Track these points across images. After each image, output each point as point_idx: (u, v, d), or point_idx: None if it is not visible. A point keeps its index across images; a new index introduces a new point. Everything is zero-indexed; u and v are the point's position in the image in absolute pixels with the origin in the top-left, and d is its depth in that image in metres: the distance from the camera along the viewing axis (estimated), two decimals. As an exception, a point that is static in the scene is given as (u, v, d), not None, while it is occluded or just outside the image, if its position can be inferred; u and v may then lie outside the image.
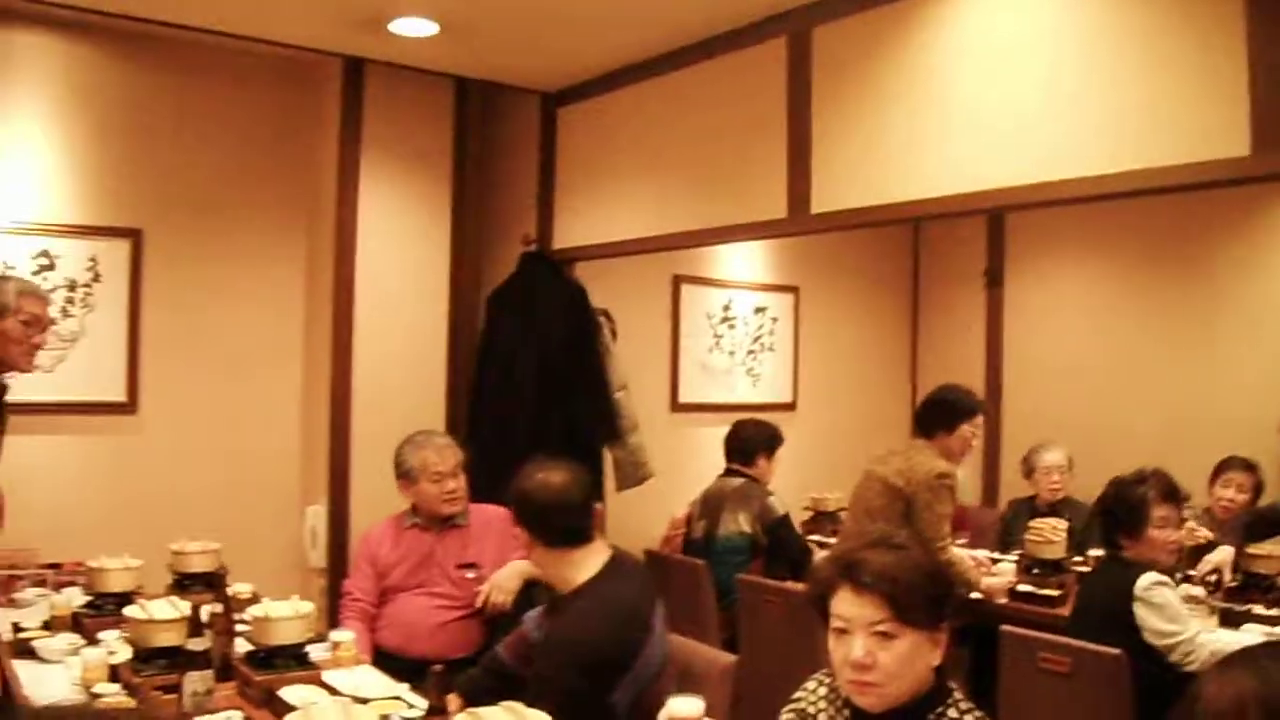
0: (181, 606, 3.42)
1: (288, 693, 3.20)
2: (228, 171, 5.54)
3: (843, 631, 2.23)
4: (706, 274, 7.12)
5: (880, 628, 2.18)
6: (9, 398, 3.97)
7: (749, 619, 4.94)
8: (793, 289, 7.63)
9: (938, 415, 4.91)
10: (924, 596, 2.21)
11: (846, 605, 2.23)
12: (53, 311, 4.87)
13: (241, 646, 3.56)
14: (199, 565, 4.28)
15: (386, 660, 3.96)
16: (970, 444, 4.91)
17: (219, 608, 3.46)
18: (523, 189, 5.90)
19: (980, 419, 4.94)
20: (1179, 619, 3.71)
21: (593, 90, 5.53)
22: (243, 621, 3.62)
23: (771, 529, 5.33)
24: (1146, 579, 3.73)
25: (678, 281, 6.95)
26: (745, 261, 7.34)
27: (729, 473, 5.55)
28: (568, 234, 5.67)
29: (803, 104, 4.46)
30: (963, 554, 4.89)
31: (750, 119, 4.69)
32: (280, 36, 5.08)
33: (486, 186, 5.94)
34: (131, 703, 3.10)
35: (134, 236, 5.29)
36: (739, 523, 5.35)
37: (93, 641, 3.77)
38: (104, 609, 4.04)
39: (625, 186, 5.37)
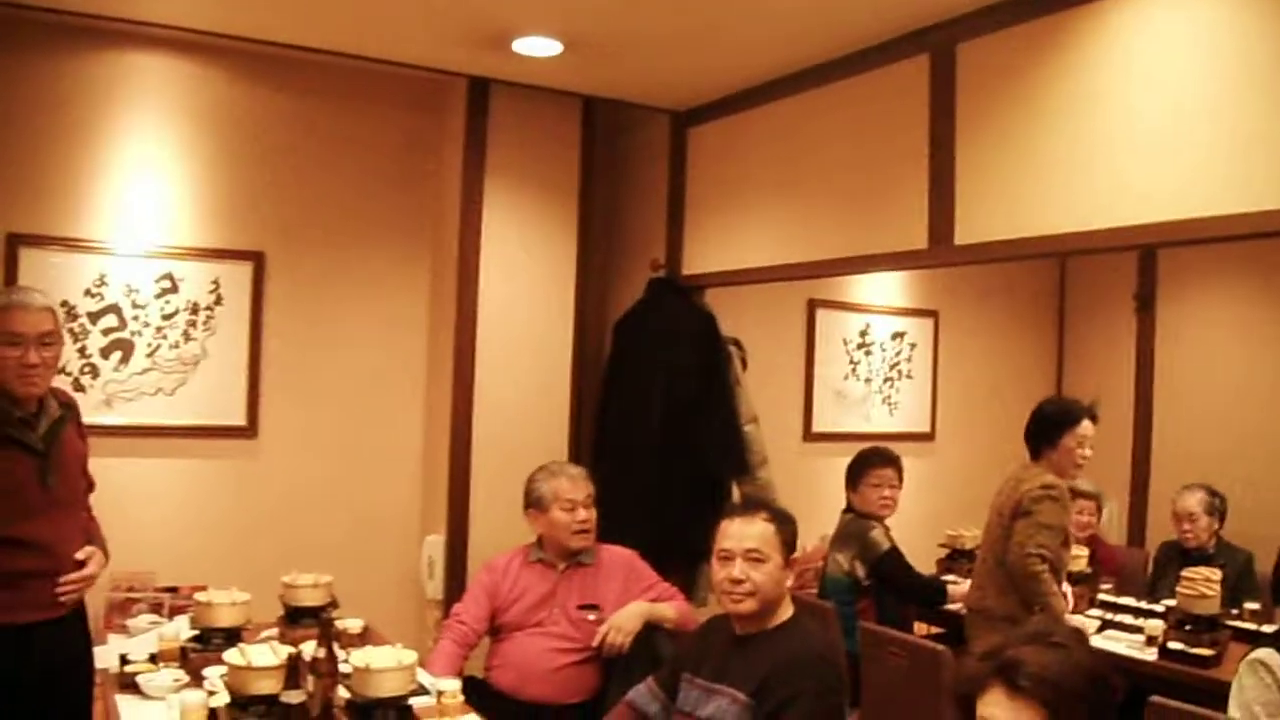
0: (281, 652, 3.32)
1: (386, 749, 3.09)
2: (351, 194, 5.48)
3: None
4: (843, 298, 6.94)
5: None
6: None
7: (870, 668, 4.67)
8: (932, 313, 7.41)
9: (1038, 431, 4.63)
10: (1087, 706, 1.97)
11: (998, 709, 1.99)
12: (160, 328, 4.89)
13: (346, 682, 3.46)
14: (309, 599, 4.22)
15: (499, 702, 3.88)
16: (1076, 454, 4.54)
17: (323, 651, 3.36)
18: (651, 212, 5.74)
19: (1085, 426, 4.55)
20: None
21: (724, 109, 5.34)
22: (347, 662, 3.53)
23: (875, 566, 5.00)
24: None
25: (813, 306, 6.78)
26: (883, 285, 7.14)
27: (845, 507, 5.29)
28: (698, 259, 5.49)
29: (946, 126, 4.19)
30: (1050, 580, 4.45)
31: (889, 141, 4.45)
32: (404, 57, 5.01)
33: (613, 209, 5.81)
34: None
35: (256, 259, 5.26)
36: (839, 562, 5.05)
37: (197, 678, 3.70)
38: (210, 643, 3.98)
39: (758, 210, 5.16)
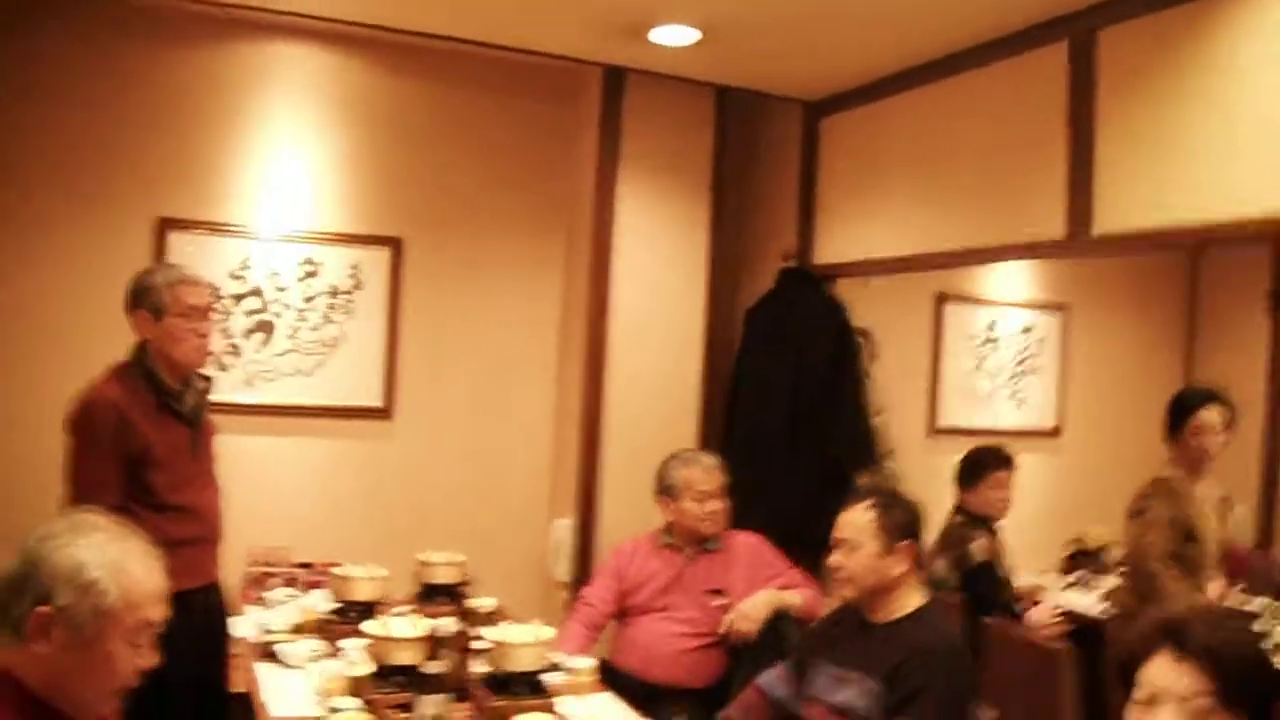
0: (421, 625, 3.41)
1: (522, 720, 3.15)
2: (487, 181, 5.56)
3: (1149, 703, 1.96)
4: (970, 291, 6.86)
5: (1197, 703, 1.87)
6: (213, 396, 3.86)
7: (992, 668, 4.59)
8: (1061, 307, 7.29)
9: (1170, 419, 4.53)
10: (1255, 682, 1.93)
11: (1162, 673, 1.92)
12: (301, 310, 5.02)
13: (478, 663, 3.53)
14: (443, 577, 4.32)
15: (624, 681, 3.91)
16: (1206, 440, 4.43)
17: (459, 626, 3.42)
18: (782, 201, 5.71)
19: (1203, 415, 4.43)
20: None
21: (857, 99, 5.30)
22: (479, 638, 3.60)
23: (966, 576, 4.85)
24: None
25: (940, 299, 6.71)
26: (1011, 278, 7.04)
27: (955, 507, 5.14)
28: (829, 249, 5.46)
29: (1085, 114, 4.10)
30: (1171, 577, 4.24)
31: (1025, 130, 4.37)
32: (541, 46, 5.05)
33: (745, 198, 5.80)
34: (368, 718, 3.09)
35: (394, 245, 5.36)
36: (937, 568, 4.89)
37: (335, 649, 3.79)
38: (349, 616, 4.08)
39: (890, 200, 5.11)
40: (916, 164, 4.97)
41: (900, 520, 3.21)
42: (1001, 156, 4.50)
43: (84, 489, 3.27)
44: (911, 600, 3.19)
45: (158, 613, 2.04)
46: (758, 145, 5.91)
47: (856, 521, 3.20)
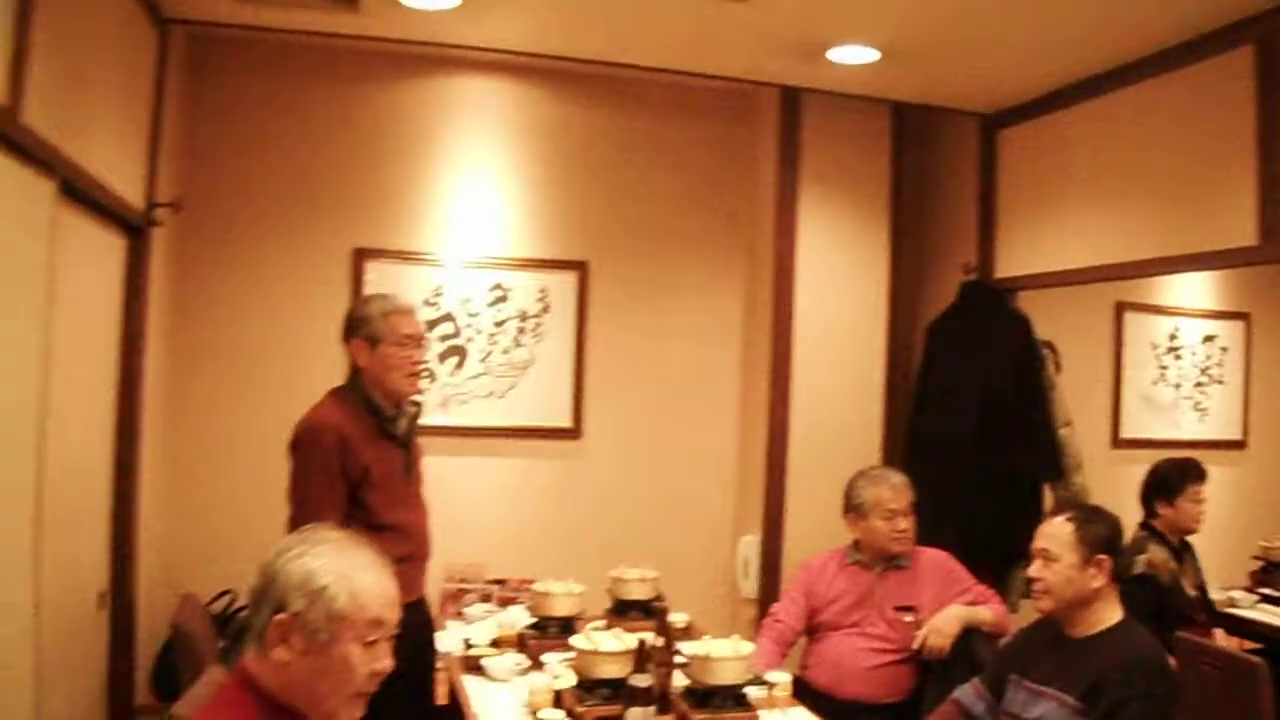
0: (626, 640, 3.48)
1: (724, 732, 3.21)
2: (668, 203, 5.67)
3: None
4: (1151, 300, 6.73)
5: None
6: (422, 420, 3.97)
7: (1183, 679, 4.48)
8: (1244, 316, 7.11)
9: None
10: None
11: None
12: (491, 335, 5.20)
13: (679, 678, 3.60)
14: (637, 593, 4.39)
15: (815, 699, 3.92)
16: None
17: (660, 641, 3.50)
18: (961, 215, 5.70)
19: None
20: None
21: (1035, 111, 5.27)
22: (678, 653, 3.67)
23: (1126, 586, 4.70)
24: None
25: (1120, 309, 6.60)
26: (1193, 287, 6.89)
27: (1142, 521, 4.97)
28: (1010, 262, 5.42)
29: (1274, 117, 4.04)
30: None
31: (1213, 136, 4.29)
32: (720, 70, 5.13)
33: (923, 213, 5.81)
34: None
35: (580, 269, 5.51)
36: None
37: (537, 663, 3.90)
38: (547, 631, 4.18)
39: (1072, 211, 5.07)
40: (1098, 174, 4.92)
41: (1099, 534, 3.20)
42: (1187, 164, 4.44)
43: (309, 508, 3.41)
44: (1110, 615, 3.18)
45: (389, 615, 2.15)
46: (934, 159, 5.91)
47: (1055, 533, 3.20)
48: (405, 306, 3.76)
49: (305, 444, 3.50)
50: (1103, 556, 3.17)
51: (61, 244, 3.36)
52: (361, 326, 3.63)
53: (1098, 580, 3.15)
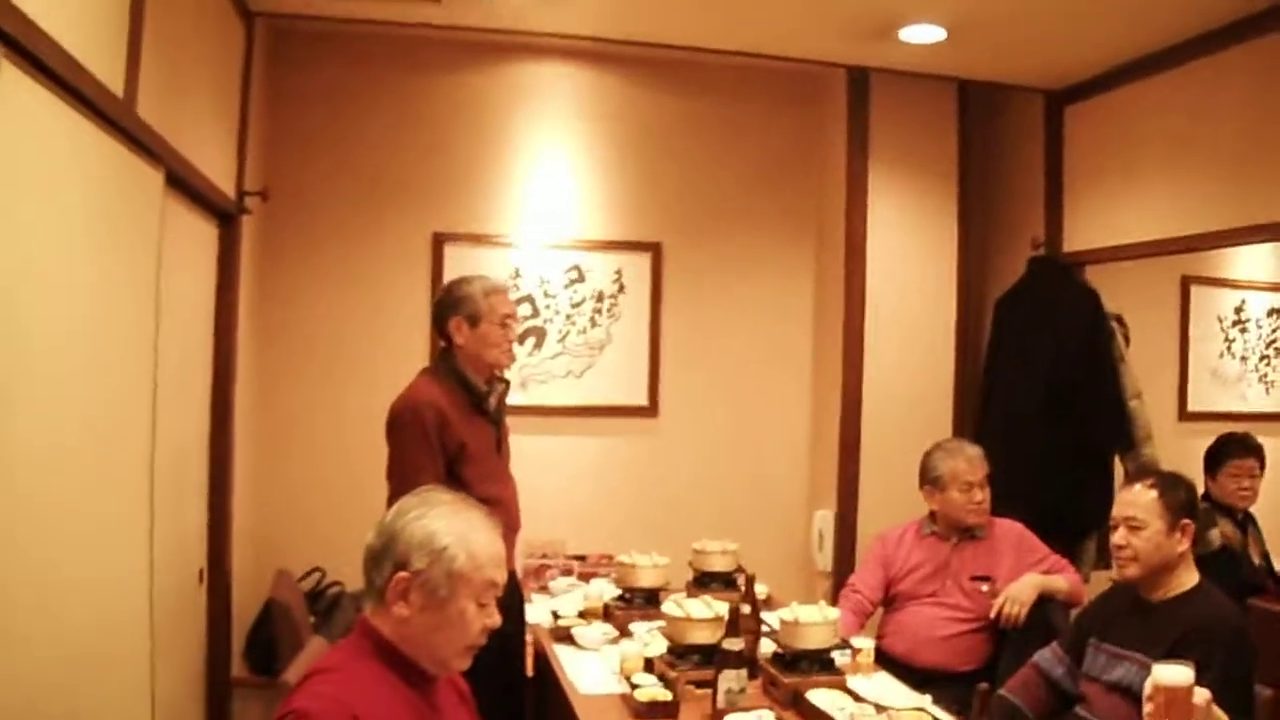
0: (717, 607, 3.57)
1: (815, 696, 3.28)
2: (739, 184, 5.75)
3: None
4: (1217, 274, 6.73)
5: None
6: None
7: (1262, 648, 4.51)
8: (1308, 288, 7.09)
9: None
10: None
11: None
12: (569, 315, 5.31)
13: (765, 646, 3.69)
14: (718, 565, 4.49)
15: (892, 668, 3.98)
16: None
17: (748, 608, 3.58)
18: (1028, 191, 5.73)
19: None
20: None
21: (1102, 86, 5.29)
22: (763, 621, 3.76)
23: (1202, 563, 4.70)
24: None
25: (1186, 283, 6.60)
26: (1259, 260, 6.87)
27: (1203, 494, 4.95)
28: (1078, 236, 5.46)
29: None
30: None
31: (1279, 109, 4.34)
32: (790, 52, 5.21)
33: (990, 190, 5.85)
34: (667, 695, 3.27)
35: (654, 250, 5.60)
36: None
37: (624, 632, 4.00)
38: (633, 602, 4.28)
39: (1138, 186, 5.10)
40: (1165, 148, 4.94)
41: (1182, 499, 3.23)
42: (1254, 136, 4.45)
43: (410, 484, 3.49)
44: (1189, 578, 3.22)
45: (500, 575, 2.28)
46: (1000, 137, 5.94)
47: (1141, 501, 3.22)
48: (503, 286, 3.92)
49: (405, 421, 3.62)
50: (1187, 521, 3.20)
51: (166, 232, 3.48)
52: (462, 305, 3.74)
53: (1182, 545, 3.19)
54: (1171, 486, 3.26)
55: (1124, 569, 3.25)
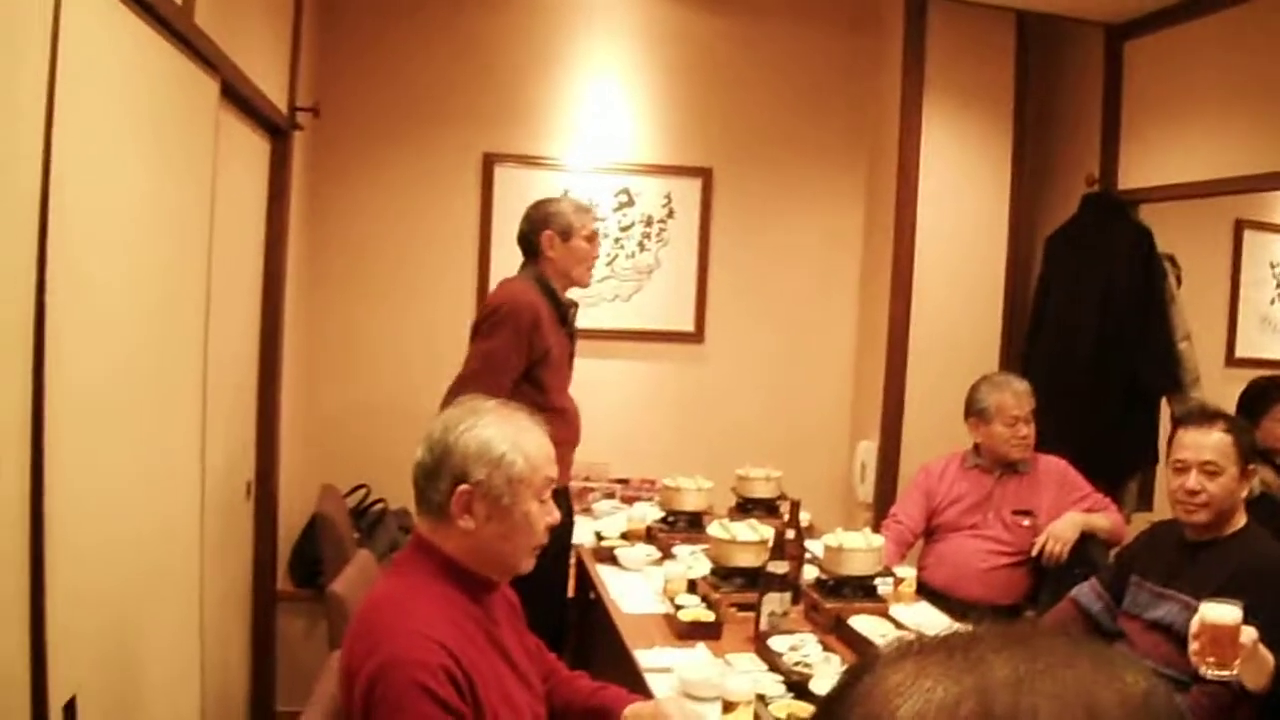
0: (762, 530, 3.60)
1: (857, 622, 3.32)
2: (791, 112, 5.69)
3: None
4: (1273, 219, 6.64)
5: None
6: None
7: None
8: (1360, 236, 6.99)
9: None
10: None
11: None
12: (617, 239, 5.39)
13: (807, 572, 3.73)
14: (762, 491, 4.52)
15: (931, 599, 4.01)
16: None
17: (792, 534, 3.61)
18: (1084, 127, 5.63)
19: None
20: None
21: (1163, 21, 5.17)
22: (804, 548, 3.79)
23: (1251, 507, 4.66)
24: None
25: (1240, 226, 6.52)
26: (1317, 206, 6.79)
27: None
28: (1134, 174, 5.37)
29: None
30: None
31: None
32: (849, -24, 5.13)
33: (1046, 124, 5.77)
34: (710, 615, 3.30)
35: (704, 175, 5.56)
36: None
37: (667, 554, 4.04)
38: (675, 525, 4.33)
39: (1196, 124, 5.00)
40: (1225, 86, 4.85)
41: (1250, 443, 3.20)
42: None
43: (488, 373, 3.63)
44: (1238, 520, 3.20)
45: (554, 471, 2.32)
46: (1058, 70, 5.85)
47: (1217, 445, 3.14)
48: (589, 206, 4.13)
49: (505, 313, 3.72)
50: (1252, 466, 3.19)
51: (219, 144, 3.48)
52: (555, 220, 3.87)
53: (1245, 489, 3.17)
54: (1240, 429, 3.21)
55: (1193, 515, 3.17)
